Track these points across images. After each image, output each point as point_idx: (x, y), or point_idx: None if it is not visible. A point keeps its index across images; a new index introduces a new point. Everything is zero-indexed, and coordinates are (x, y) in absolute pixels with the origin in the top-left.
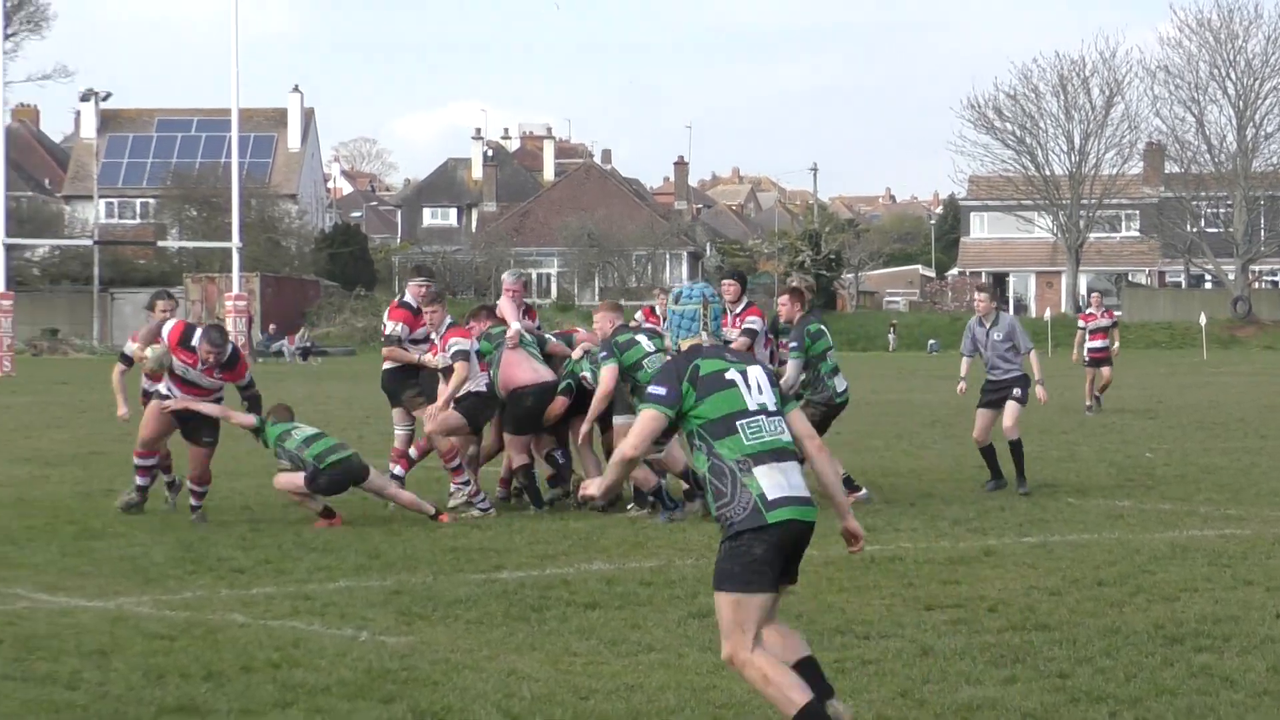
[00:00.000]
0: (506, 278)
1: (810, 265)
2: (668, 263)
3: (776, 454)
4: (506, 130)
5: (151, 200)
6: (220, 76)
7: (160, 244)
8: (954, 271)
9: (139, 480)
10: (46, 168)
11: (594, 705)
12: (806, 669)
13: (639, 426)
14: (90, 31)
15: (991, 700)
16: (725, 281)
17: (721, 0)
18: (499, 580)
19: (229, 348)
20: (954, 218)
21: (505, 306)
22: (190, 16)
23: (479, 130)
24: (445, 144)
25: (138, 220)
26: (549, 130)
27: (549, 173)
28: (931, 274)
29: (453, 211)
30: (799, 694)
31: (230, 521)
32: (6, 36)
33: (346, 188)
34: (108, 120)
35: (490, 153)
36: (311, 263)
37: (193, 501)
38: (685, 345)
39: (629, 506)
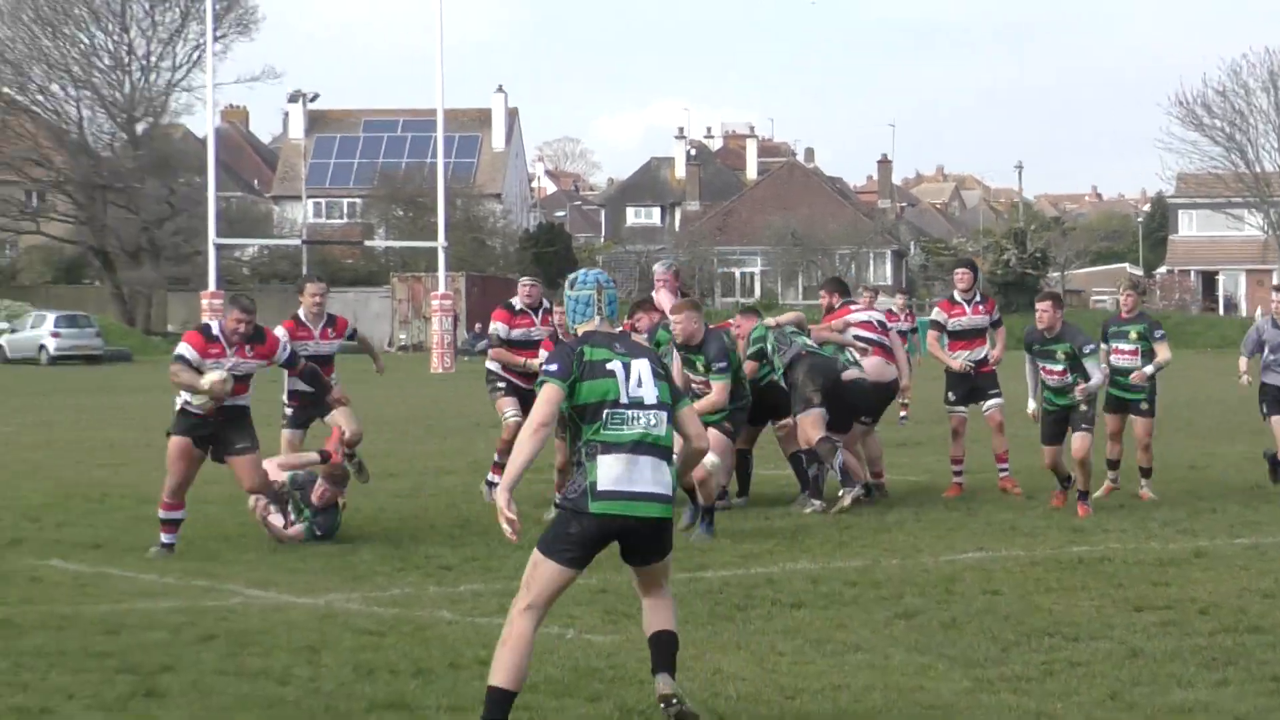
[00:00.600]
0: (658, 268)
1: (1015, 263)
2: (871, 261)
3: (633, 446)
4: (709, 129)
5: (358, 200)
6: (426, 77)
7: (367, 244)
8: (1162, 270)
9: (165, 539)
10: (255, 168)
11: (800, 705)
12: (657, 641)
13: (541, 399)
14: (298, 33)
15: (1203, 703)
16: (959, 271)
17: None
18: (703, 579)
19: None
20: (1162, 215)
21: (663, 298)
22: (396, 18)
23: (682, 129)
24: (648, 143)
25: (345, 220)
26: (751, 129)
27: (751, 171)
28: (1139, 272)
29: (656, 210)
30: (501, 676)
31: (438, 520)
32: (216, 38)
33: (550, 187)
34: (315, 121)
35: (693, 152)
36: (516, 262)
37: (167, 537)
38: (580, 330)
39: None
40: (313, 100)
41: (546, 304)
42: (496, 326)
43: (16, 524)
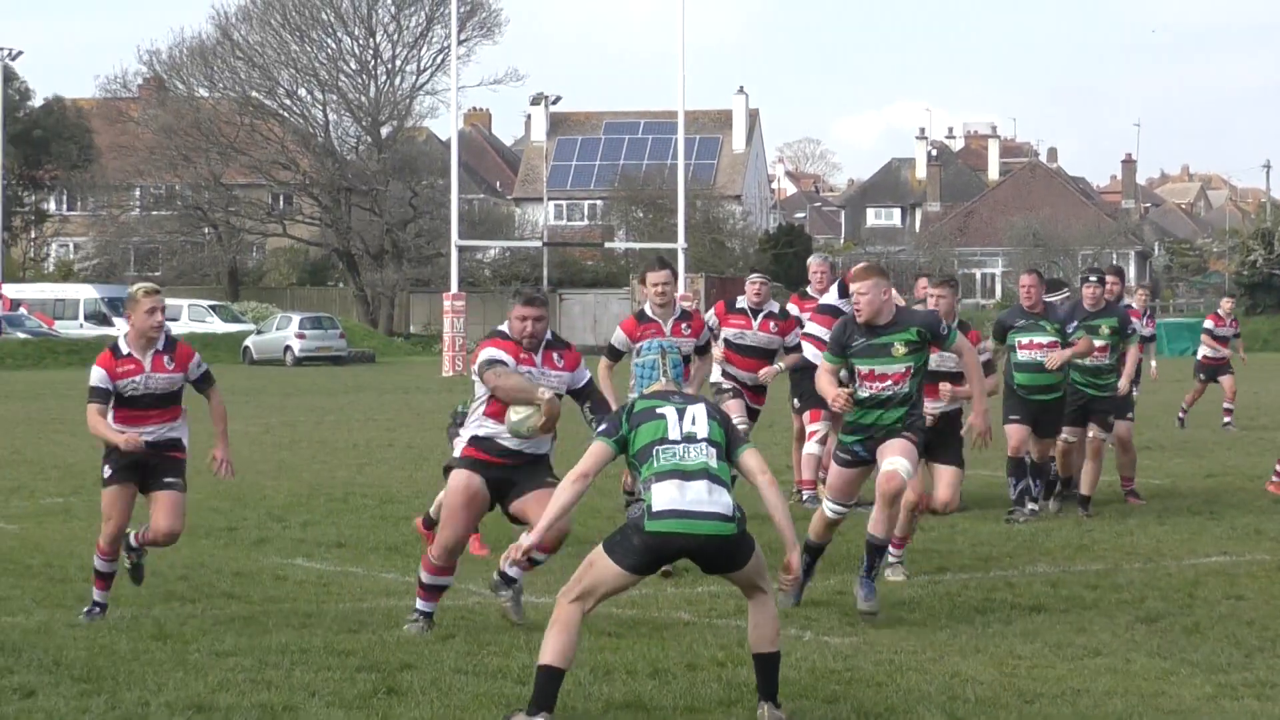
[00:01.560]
0: (813, 261)
1: (1263, 264)
2: (1114, 261)
3: (685, 474)
4: (950, 130)
5: (599, 202)
6: (666, 79)
7: (607, 245)
8: None
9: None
10: (498, 170)
11: (1039, 709)
12: (758, 664)
13: (589, 453)
14: (540, 36)
15: None
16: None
17: None
18: (942, 582)
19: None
20: None
21: (821, 291)
22: (638, 20)
23: (923, 130)
24: (888, 144)
25: (585, 222)
26: (993, 129)
27: (993, 172)
28: None
29: (896, 211)
30: (550, 656)
31: None
32: (460, 41)
33: (790, 188)
34: (557, 123)
35: (934, 152)
36: (756, 263)
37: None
38: (648, 391)
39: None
40: (555, 103)
41: (774, 307)
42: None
43: (262, 523)
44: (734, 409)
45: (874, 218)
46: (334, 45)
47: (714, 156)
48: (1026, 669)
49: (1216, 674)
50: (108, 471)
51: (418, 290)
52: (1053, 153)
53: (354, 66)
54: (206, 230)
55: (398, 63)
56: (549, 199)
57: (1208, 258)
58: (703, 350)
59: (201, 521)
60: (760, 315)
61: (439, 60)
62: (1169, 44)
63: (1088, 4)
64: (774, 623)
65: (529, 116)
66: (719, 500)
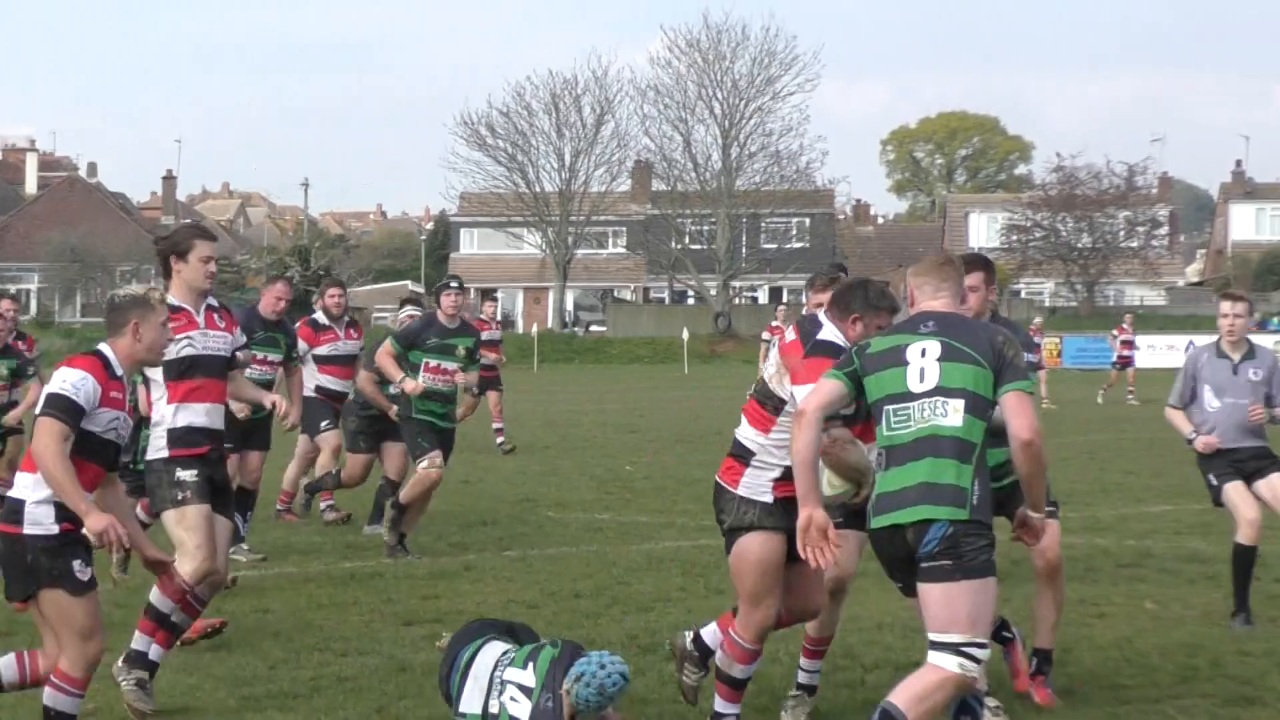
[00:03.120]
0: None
1: (300, 280)
2: (152, 277)
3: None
4: None
5: None
6: None
7: None
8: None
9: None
10: None
11: None
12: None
13: None
14: None
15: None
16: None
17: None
18: None
19: None
20: (445, 234)
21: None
22: None
23: None
24: None
25: None
26: (32, 142)
27: (31, 186)
28: (420, 289)
29: None
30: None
31: None
32: None
33: None
34: None
35: None
36: None
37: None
38: None
39: None
40: None
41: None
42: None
43: None
44: None
45: None
46: None
47: None
48: None
49: (241, 687)
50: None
51: None
52: (93, 168)
53: None
54: None
55: None
56: None
57: (246, 273)
58: None
59: None
60: None
61: None
62: (210, 59)
63: (131, 21)
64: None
65: None
66: None
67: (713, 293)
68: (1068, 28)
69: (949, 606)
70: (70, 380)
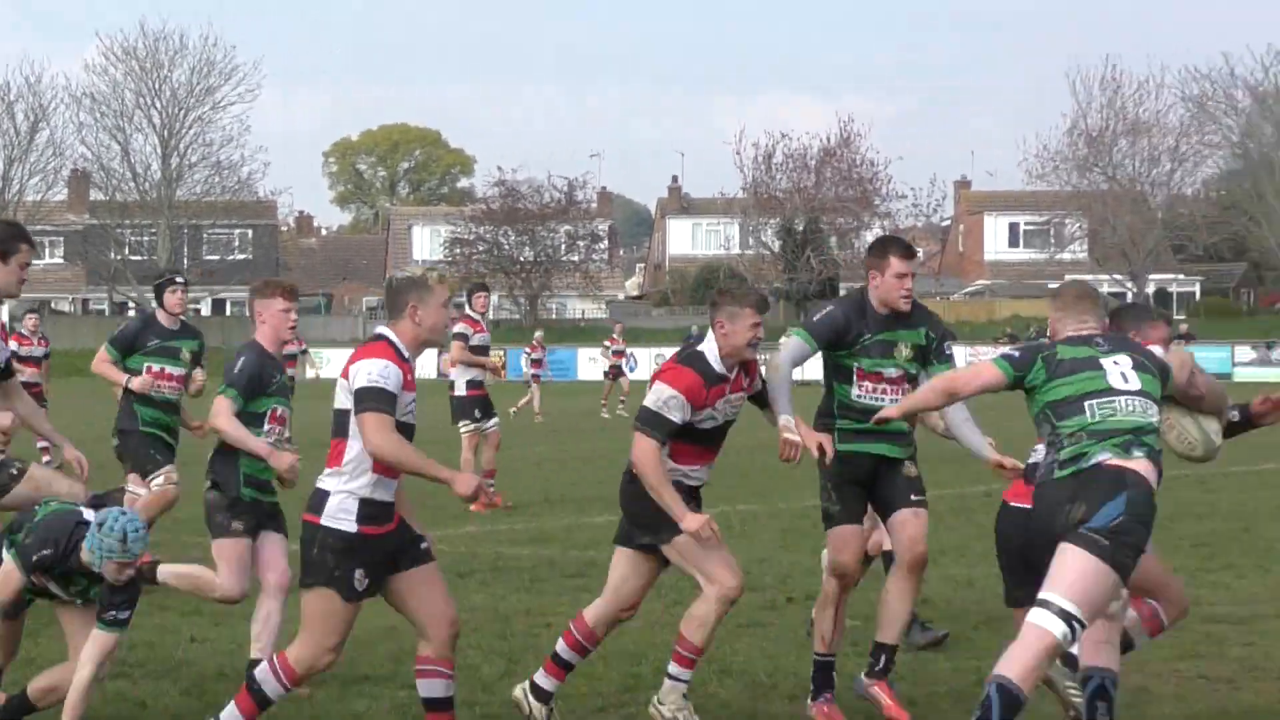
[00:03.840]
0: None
1: None
2: None
3: None
4: None
5: None
6: None
7: None
8: None
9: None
10: None
11: None
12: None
13: None
14: None
15: None
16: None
17: None
18: None
19: None
20: None
21: None
22: None
23: None
24: None
25: None
26: None
27: None
28: None
29: None
30: None
31: None
32: None
33: None
34: None
35: None
36: None
37: None
38: None
39: None
40: None
41: None
42: None
43: None
44: None
45: None
46: None
47: None
48: None
49: None
50: None
51: None
52: None
53: None
54: None
55: None
56: None
57: None
58: None
59: None
60: None
61: None
62: None
63: None
64: None
65: None
66: None
67: None
68: (504, 45)
69: (1082, 578)
70: (375, 371)
